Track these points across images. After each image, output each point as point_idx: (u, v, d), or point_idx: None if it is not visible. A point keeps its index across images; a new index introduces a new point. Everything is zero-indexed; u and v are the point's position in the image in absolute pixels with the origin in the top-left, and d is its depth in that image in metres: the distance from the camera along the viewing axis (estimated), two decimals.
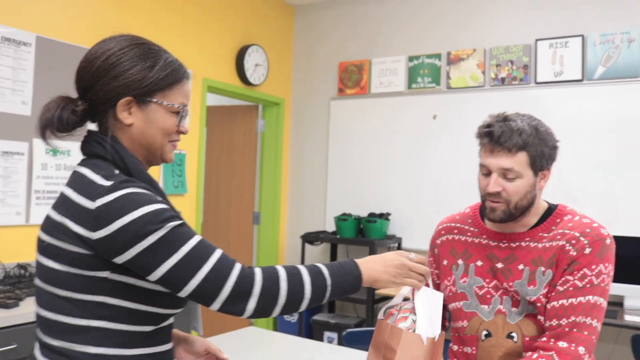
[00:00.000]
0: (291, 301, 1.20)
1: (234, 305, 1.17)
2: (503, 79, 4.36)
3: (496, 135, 1.55)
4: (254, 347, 2.46)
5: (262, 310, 1.18)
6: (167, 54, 1.29)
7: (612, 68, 3.97)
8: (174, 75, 1.28)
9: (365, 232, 4.57)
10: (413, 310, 1.49)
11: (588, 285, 1.50)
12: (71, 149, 3.39)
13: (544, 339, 1.51)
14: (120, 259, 1.14)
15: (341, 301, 4.75)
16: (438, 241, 1.82)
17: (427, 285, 1.48)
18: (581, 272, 1.51)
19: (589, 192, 3.93)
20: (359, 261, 1.32)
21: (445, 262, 1.77)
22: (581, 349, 1.47)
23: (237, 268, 1.19)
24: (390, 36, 4.90)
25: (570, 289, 1.51)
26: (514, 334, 1.58)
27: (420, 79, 4.72)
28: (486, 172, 1.61)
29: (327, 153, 5.15)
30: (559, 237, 1.58)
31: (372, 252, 4.36)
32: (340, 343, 3.98)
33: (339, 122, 5.09)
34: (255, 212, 5.30)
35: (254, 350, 2.42)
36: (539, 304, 1.54)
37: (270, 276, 1.20)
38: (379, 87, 4.91)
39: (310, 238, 4.71)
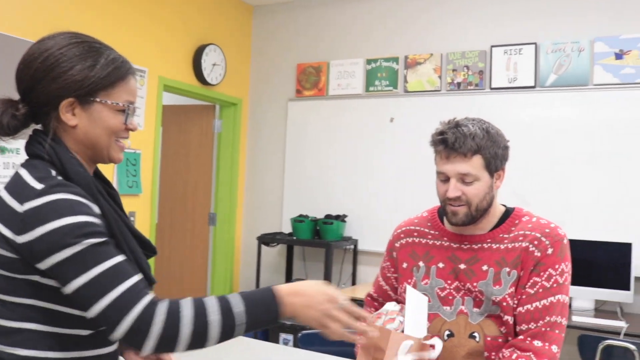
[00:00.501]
0: (194, 343, 1.12)
1: (133, 341, 1.09)
2: (459, 84, 4.43)
3: (450, 142, 1.58)
4: (209, 348, 2.44)
5: (163, 350, 1.10)
6: (110, 51, 1.25)
7: (563, 76, 4.08)
8: (117, 72, 1.24)
9: (322, 234, 4.57)
10: (400, 313, 1.52)
11: (555, 285, 1.58)
12: (20, 147, 3.29)
13: (521, 337, 1.56)
14: (41, 266, 1.10)
15: None
16: (397, 244, 1.84)
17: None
18: (547, 272, 1.58)
19: (540, 196, 4.02)
20: (284, 292, 1.19)
21: (404, 265, 1.79)
22: (554, 348, 1.55)
23: (143, 303, 1.09)
24: (348, 39, 4.92)
25: (540, 290, 1.57)
26: (475, 334, 1.61)
27: (378, 82, 4.76)
28: (444, 178, 1.64)
29: (284, 154, 5.14)
30: (520, 238, 1.63)
31: (329, 253, 4.37)
32: (295, 345, 3.97)
33: (297, 123, 5.09)
34: (211, 213, 5.25)
35: (207, 353, 2.40)
36: (504, 304, 1.58)
37: (173, 317, 1.10)
38: (336, 89, 4.93)
39: (266, 239, 4.69)
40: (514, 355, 1.54)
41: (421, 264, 1.74)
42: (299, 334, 2.75)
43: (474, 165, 1.58)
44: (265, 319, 1.16)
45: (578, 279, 3.55)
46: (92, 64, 1.20)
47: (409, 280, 1.76)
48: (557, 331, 1.56)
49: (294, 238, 4.64)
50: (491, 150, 1.59)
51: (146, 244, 1.33)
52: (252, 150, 5.35)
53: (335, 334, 1.20)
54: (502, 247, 1.63)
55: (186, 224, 5.30)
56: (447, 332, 1.64)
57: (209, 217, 5.25)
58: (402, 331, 1.47)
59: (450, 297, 1.66)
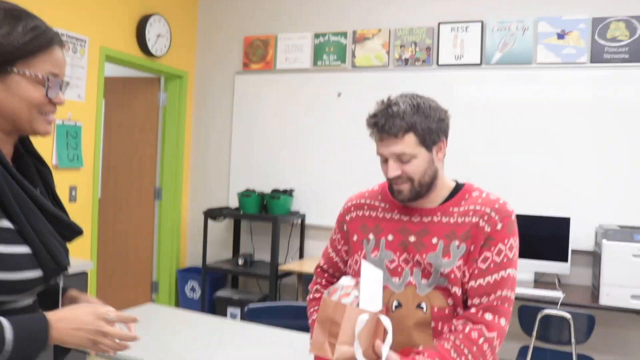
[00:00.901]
0: None
1: None
2: (407, 60, 4.46)
3: (380, 125, 1.59)
4: (156, 323, 2.40)
5: None
6: (31, 19, 1.19)
7: (508, 54, 4.15)
8: (37, 41, 1.17)
9: (269, 208, 4.57)
10: (355, 287, 1.53)
11: (505, 260, 1.62)
12: None
13: (473, 310, 1.60)
14: None
15: (245, 277, 4.75)
16: (347, 217, 1.85)
17: None
18: (497, 247, 1.61)
19: (485, 171, 4.11)
20: (52, 319, 1.16)
21: (355, 238, 1.80)
22: (503, 321, 1.60)
23: None
24: (296, 12, 4.87)
25: (492, 266, 1.60)
26: (423, 305, 1.64)
27: (326, 56, 4.74)
28: (383, 159, 1.67)
29: (230, 128, 5.08)
30: (471, 213, 1.66)
31: (275, 227, 4.37)
32: (242, 318, 3.98)
33: (244, 96, 5.03)
34: (156, 188, 5.17)
35: (155, 327, 2.36)
36: (452, 276, 1.61)
37: None
38: (284, 63, 4.88)
39: (213, 214, 4.65)
40: (467, 328, 1.58)
41: (371, 236, 1.75)
42: (246, 308, 2.76)
43: (408, 144, 1.59)
44: (33, 351, 1.13)
45: (519, 252, 3.67)
46: (8, 31, 1.14)
47: (359, 253, 1.77)
48: (506, 305, 1.61)
49: (241, 212, 4.61)
50: (423, 126, 1.59)
51: (66, 224, 1.28)
52: (198, 124, 5.27)
53: (108, 348, 1.23)
54: (452, 220, 1.66)
55: (131, 198, 5.20)
56: (395, 303, 1.67)
57: (154, 191, 5.16)
58: (358, 305, 1.48)
59: (399, 269, 1.68)
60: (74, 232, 1.31)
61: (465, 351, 1.56)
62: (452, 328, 1.63)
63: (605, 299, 3.37)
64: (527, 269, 3.82)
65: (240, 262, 4.57)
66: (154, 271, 5.23)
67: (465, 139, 4.12)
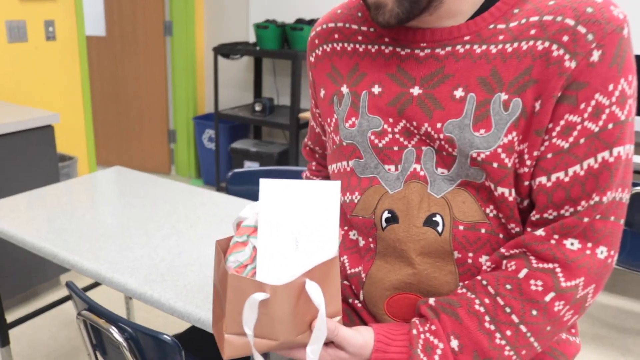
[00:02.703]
0: None
1: None
2: None
3: None
4: (148, 191, 1.81)
5: None
6: None
7: None
8: None
9: (290, 42, 3.74)
10: (256, 230, 0.81)
11: (610, 127, 0.77)
12: None
13: (541, 233, 0.82)
14: None
15: (265, 127, 4.02)
16: (312, 57, 1.05)
17: None
18: (593, 101, 0.76)
19: None
20: None
21: (322, 93, 1.02)
22: (601, 252, 0.81)
23: None
24: None
25: (582, 141, 0.78)
26: (437, 218, 0.87)
27: None
28: None
29: None
30: (532, 30, 0.80)
31: (296, 66, 3.57)
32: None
33: None
34: (166, 21, 4.40)
35: (151, 199, 1.77)
36: (494, 164, 0.81)
37: None
38: None
39: (224, 50, 3.87)
40: (524, 270, 0.81)
41: (344, 89, 0.96)
42: (229, 174, 2.08)
43: None
44: None
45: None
46: None
47: (329, 120, 1.00)
48: (612, 218, 0.81)
49: (257, 48, 3.81)
50: None
51: None
52: None
53: None
54: (493, 49, 0.82)
55: (138, 34, 4.48)
56: (386, 215, 0.91)
57: (164, 25, 4.40)
58: (254, 271, 0.79)
59: (396, 148, 0.90)
60: None
61: (515, 319, 0.81)
62: (495, 266, 0.86)
63: None
64: None
65: (258, 108, 3.85)
66: (170, 118, 4.63)
67: None
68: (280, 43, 3.79)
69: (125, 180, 2.08)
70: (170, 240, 1.60)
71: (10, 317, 2.63)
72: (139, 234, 1.63)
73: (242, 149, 3.90)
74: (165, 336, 1.07)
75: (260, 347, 0.78)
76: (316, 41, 1.03)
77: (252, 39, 4.18)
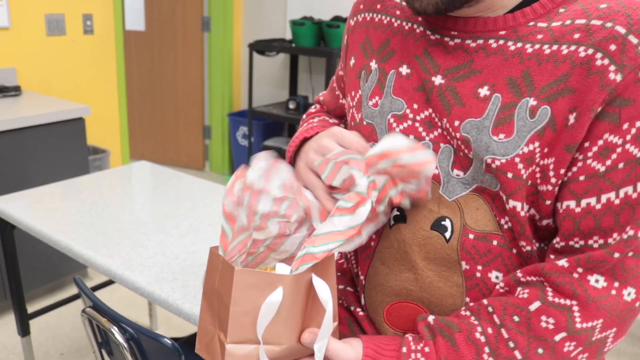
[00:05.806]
0: None
1: None
2: None
3: None
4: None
5: None
6: None
7: None
8: None
9: (327, 40, 3.69)
10: (285, 201, 0.82)
11: None
12: None
13: (563, 264, 0.73)
14: None
15: (297, 124, 3.97)
16: (352, 22, 0.98)
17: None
18: (638, 122, 0.68)
19: None
20: None
21: (352, 62, 0.95)
22: (629, 293, 0.72)
23: None
24: None
25: (621, 165, 0.69)
26: (446, 222, 0.80)
27: None
28: None
29: None
30: (577, 33, 0.71)
31: (331, 64, 3.53)
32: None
33: None
34: (204, 17, 4.40)
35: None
36: (509, 175, 0.74)
37: None
38: None
39: (259, 47, 3.84)
40: (536, 303, 0.74)
41: (373, 64, 0.89)
42: None
43: None
44: None
45: None
46: None
47: (354, 93, 0.93)
48: None
49: (293, 45, 3.77)
50: None
51: None
52: None
53: None
54: (528, 49, 0.74)
55: (177, 30, 4.49)
56: (395, 212, 0.84)
57: (202, 21, 4.41)
58: (274, 264, 0.79)
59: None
60: None
61: (518, 355, 0.73)
62: (508, 289, 0.78)
63: None
64: None
65: (292, 105, 3.82)
66: (205, 114, 4.63)
67: None
68: (317, 40, 3.74)
69: (150, 176, 2.06)
70: (187, 238, 1.57)
71: (36, 307, 2.65)
72: (155, 231, 1.61)
73: (275, 146, 3.87)
74: (166, 340, 1.03)
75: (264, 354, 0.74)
76: (361, 6, 0.96)
77: (288, 35, 4.15)
